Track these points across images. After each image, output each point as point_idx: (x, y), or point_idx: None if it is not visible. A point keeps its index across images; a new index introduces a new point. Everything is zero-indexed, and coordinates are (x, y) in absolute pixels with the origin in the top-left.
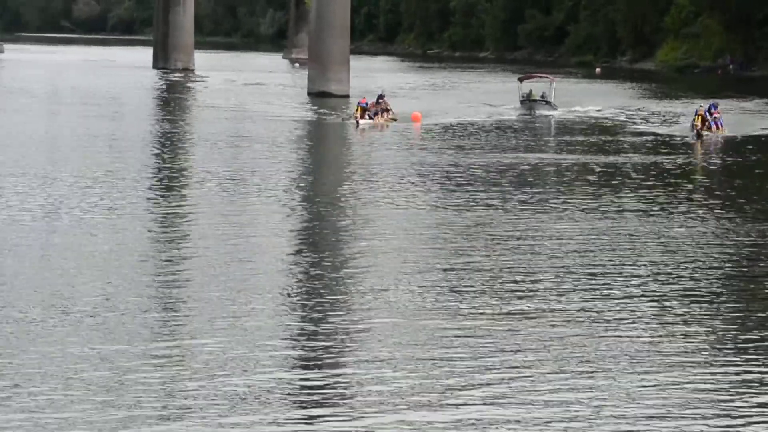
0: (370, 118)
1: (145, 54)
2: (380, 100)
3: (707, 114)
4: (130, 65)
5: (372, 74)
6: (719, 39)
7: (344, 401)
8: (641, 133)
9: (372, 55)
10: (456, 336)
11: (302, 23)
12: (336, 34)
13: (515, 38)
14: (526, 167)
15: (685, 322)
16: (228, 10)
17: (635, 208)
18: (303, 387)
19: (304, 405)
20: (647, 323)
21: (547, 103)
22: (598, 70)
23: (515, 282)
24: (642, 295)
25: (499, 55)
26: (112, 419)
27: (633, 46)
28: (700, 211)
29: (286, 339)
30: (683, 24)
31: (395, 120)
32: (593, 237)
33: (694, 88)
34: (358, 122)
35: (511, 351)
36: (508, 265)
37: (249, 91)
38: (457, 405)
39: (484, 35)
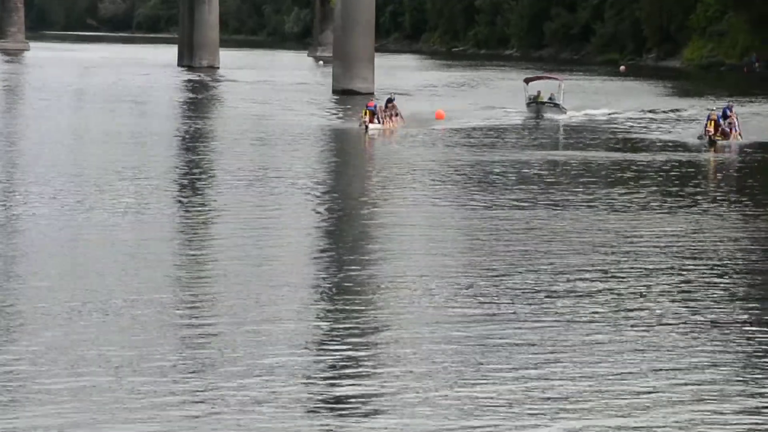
0: (379, 122)
1: (170, 52)
2: (389, 104)
3: (720, 119)
4: (155, 63)
5: (397, 72)
6: (745, 37)
7: (370, 401)
8: (650, 140)
9: (397, 53)
10: (470, 325)
11: (327, 21)
12: (361, 31)
13: (541, 36)
14: (532, 168)
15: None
16: (253, 8)
17: (633, 205)
18: (326, 392)
19: (327, 410)
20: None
21: (556, 105)
22: (622, 68)
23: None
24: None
25: (525, 53)
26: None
27: (658, 44)
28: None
29: (310, 342)
30: (709, 22)
31: (403, 123)
32: (620, 233)
33: (719, 87)
34: (366, 127)
35: (544, 352)
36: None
37: (273, 89)
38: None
39: (510, 33)
